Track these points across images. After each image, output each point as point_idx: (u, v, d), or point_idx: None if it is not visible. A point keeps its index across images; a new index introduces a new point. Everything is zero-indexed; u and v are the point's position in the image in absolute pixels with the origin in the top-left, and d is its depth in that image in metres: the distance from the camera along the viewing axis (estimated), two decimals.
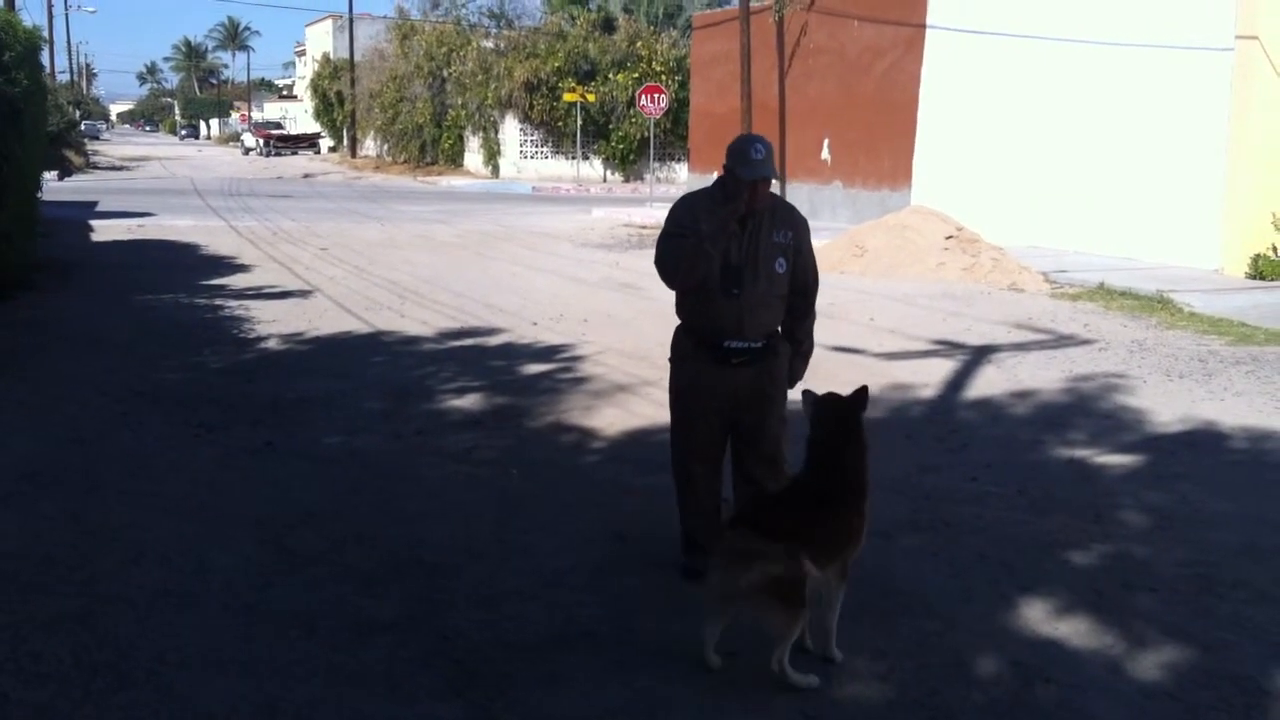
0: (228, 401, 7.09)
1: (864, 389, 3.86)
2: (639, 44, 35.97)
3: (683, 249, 4.18)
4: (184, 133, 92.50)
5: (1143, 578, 4.45)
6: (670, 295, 4.45)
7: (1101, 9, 15.05)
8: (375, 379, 7.83)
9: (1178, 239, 14.00)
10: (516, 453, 6.13)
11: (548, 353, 8.77)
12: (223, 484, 5.47)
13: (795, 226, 4.32)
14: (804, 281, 4.37)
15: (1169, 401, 7.40)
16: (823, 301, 4.79)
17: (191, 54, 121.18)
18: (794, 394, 4.26)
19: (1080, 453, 6.25)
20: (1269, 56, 13.07)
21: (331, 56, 53.92)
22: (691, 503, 4.47)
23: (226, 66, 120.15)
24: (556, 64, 35.40)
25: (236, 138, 69.37)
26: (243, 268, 13.65)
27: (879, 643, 3.82)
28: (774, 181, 4.27)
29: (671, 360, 4.48)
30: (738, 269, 4.18)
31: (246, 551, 4.57)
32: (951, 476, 5.78)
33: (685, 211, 4.30)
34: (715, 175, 4.53)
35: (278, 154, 53.20)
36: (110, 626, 3.84)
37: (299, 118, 65.51)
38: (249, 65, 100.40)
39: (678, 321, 4.45)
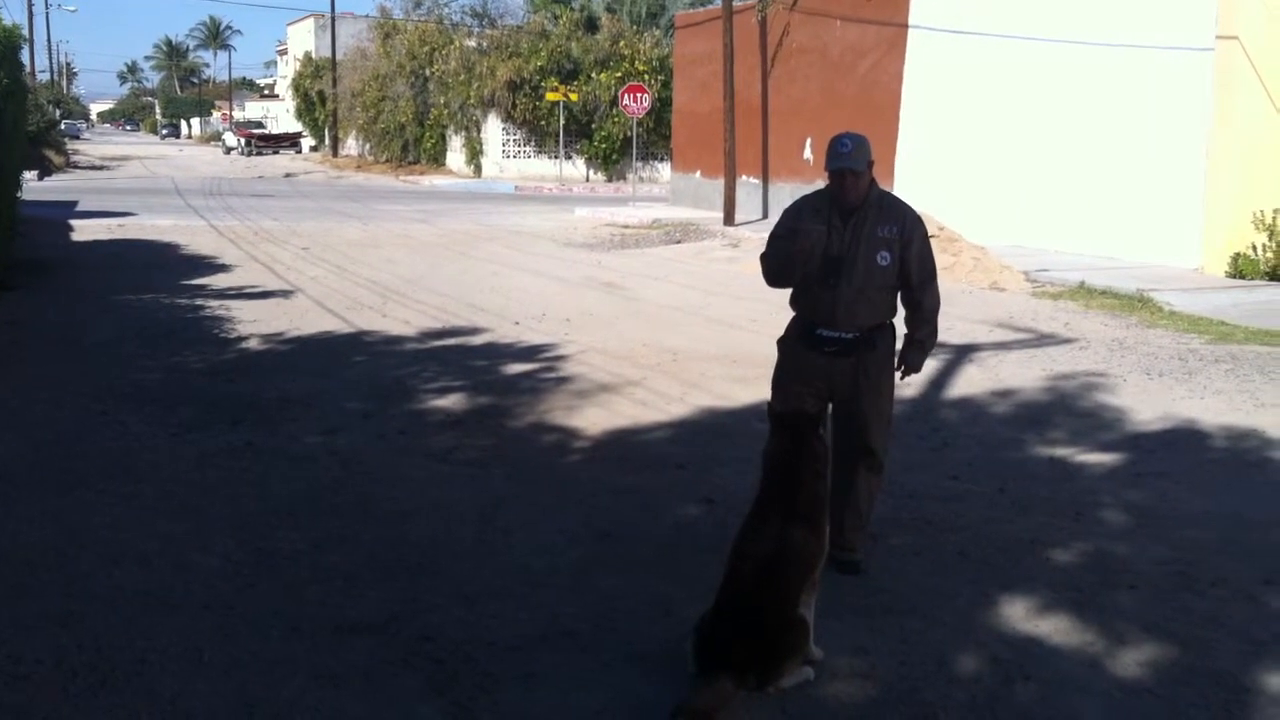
0: (208, 401, 7.05)
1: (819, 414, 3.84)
2: (622, 43, 35.88)
3: (780, 252, 4.33)
4: (165, 132, 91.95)
5: (1122, 575, 4.47)
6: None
7: (1083, 9, 15.12)
8: (357, 379, 7.81)
9: (1158, 238, 14.07)
10: (498, 452, 6.12)
11: (530, 352, 8.76)
12: (203, 484, 5.45)
13: (903, 221, 4.39)
14: (913, 274, 4.42)
15: (1149, 400, 7.44)
16: None
17: (173, 53, 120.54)
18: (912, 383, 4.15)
19: (1061, 451, 6.28)
20: (1249, 56, 13.15)
21: (313, 55, 53.63)
22: None
23: (208, 66, 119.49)
24: (539, 63, 35.32)
25: (218, 137, 68.90)
26: (224, 267, 13.58)
27: (860, 640, 3.83)
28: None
29: (778, 344, 4.61)
30: (837, 260, 4.30)
31: (227, 552, 4.55)
32: (933, 475, 5.80)
33: (791, 212, 4.46)
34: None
35: (259, 153, 52.87)
36: (90, 628, 3.81)
37: (280, 117, 65.17)
38: (230, 64, 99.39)
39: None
